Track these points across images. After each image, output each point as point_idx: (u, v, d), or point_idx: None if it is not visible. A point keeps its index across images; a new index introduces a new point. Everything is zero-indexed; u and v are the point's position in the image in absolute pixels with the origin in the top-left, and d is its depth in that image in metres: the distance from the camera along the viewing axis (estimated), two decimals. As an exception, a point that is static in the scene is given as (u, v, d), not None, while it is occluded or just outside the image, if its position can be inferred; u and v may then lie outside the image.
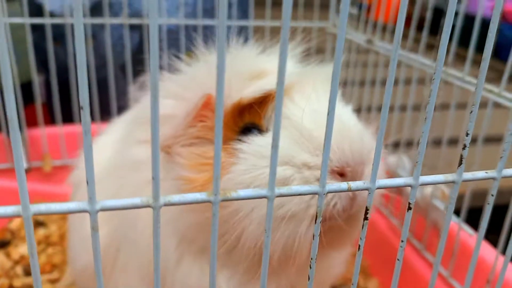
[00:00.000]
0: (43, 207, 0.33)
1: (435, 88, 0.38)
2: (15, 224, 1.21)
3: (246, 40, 0.69)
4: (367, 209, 0.40)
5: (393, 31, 1.06)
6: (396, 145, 1.02)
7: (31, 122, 1.25)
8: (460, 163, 0.41)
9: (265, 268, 0.39)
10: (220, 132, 0.34)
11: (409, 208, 0.41)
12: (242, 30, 1.29)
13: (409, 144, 1.00)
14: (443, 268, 0.87)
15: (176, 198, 0.35)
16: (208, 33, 0.85)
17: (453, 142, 0.91)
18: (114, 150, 0.77)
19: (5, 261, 1.09)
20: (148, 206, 0.34)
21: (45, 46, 1.26)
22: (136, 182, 0.67)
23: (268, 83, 0.57)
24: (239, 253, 0.58)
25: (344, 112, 0.60)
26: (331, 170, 0.53)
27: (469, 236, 0.85)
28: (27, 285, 1.01)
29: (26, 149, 1.18)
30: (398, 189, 0.99)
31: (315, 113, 0.56)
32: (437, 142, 0.90)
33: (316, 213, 0.38)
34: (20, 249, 1.13)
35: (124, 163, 0.70)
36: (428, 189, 0.90)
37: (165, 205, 0.35)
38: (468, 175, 0.42)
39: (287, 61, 0.63)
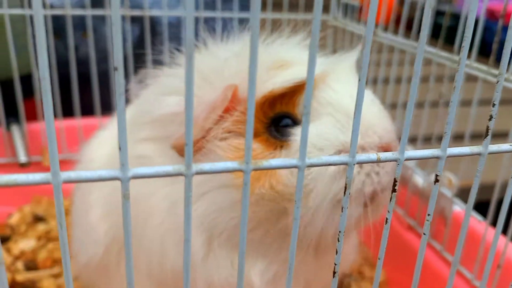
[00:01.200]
0: (73, 174, 0.32)
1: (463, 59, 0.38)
2: (14, 219, 1.19)
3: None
4: (395, 181, 0.40)
5: (395, 22, 1.06)
6: (413, 141, 1.01)
7: (31, 116, 1.24)
8: (486, 135, 0.41)
9: (294, 242, 0.39)
10: (252, 100, 0.33)
11: (436, 181, 0.41)
12: (243, 22, 1.29)
13: (427, 139, 1.00)
14: (449, 254, 0.87)
15: (207, 166, 0.34)
16: (209, 26, 0.85)
17: (475, 136, 0.91)
18: (113, 148, 0.76)
19: (5, 256, 1.07)
20: (180, 174, 0.34)
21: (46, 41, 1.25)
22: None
23: (299, 73, 0.57)
24: (284, 242, 0.59)
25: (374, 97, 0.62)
26: (381, 146, 0.57)
27: (478, 222, 0.85)
28: (30, 280, 1.00)
29: (25, 143, 1.17)
30: (404, 179, 0.99)
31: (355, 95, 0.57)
32: (460, 137, 0.90)
33: (346, 184, 0.38)
34: (20, 245, 1.11)
35: (130, 158, 0.69)
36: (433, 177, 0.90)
37: (197, 173, 0.34)
38: (493, 147, 0.42)
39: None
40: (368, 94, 0.60)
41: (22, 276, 1.00)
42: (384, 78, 1.06)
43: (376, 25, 1.08)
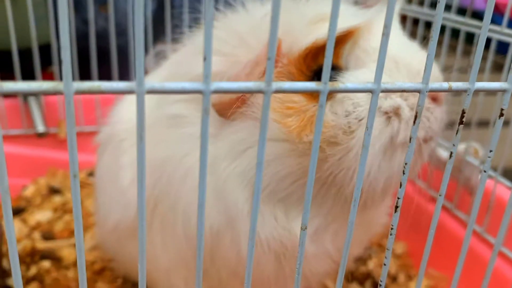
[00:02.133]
0: (157, 85, 0.31)
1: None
2: (29, 191, 1.18)
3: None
4: (463, 112, 0.39)
5: None
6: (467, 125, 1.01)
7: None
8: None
9: (359, 188, 0.38)
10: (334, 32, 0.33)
11: (501, 115, 0.41)
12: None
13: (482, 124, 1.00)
14: (477, 225, 0.88)
15: (287, 84, 0.34)
16: None
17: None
18: (147, 107, 0.75)
19: (21, 227, 1.07)
20: (260, 91, 0.33)
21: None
22: (176, 137, 0.65)
23: (343, 22, 0.57)
24: (326, 194, 0.58)
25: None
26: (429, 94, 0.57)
27: (506, 190, 0.85)
28: (50, 248, 0.99)
29: (42, 113, 1.16)
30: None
31: (402, 43, 0.58)
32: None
33: (416, 112, 0.38)
34: (36, 216, 1.10)
35: (160, 120, 0.68)
36: (461, 147, 0.90)
37: (276, 91, 0.34)
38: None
39: (349, 7, 0.63)
40: (414, 45, 0.60)
41: (42, 245, 1.00)
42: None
43: None
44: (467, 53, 0.92)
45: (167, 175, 0.66)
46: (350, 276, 0.97)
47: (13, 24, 1.06)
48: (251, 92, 0.33)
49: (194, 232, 0.65)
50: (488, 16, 0.37)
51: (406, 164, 0.40)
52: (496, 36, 0.83)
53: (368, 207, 0.61)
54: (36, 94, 0.29)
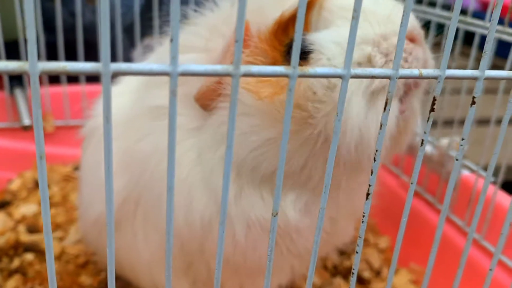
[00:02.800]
0: (124, 65, 0.31)
1: None
2: (15, 185, 1.18)
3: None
4: (434, 99, 0.40)
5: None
6: (448, 124, 1.01)
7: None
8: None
9: (333, 157, 0.39)
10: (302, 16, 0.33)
11: (473, 103, 0.41)
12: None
13: (462, 122, 1.00)
14: (460, 219, 0.88)
15: (255, 68, 0.34)
16: None
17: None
18: (129, 101, 0.75)
19: (7, 220, 1.06)
20: (228, 74, 0.33)
21: (47, 6, 1.23)
22: (159, 130, 0.65)
23: None
24: (315, 162, 0.57)
25: None
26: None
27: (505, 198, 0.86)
28: (34, 241, 0.98)
29: (28, 107, 1.15)
30: (411, 147, 0.99)
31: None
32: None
33: (387, 98, 0.38)
34: (22, 209, 1.10)
35: (143, 113, 0.68)
36: (444, 141, 0.91)
37: (244, 75, 0.34)
38: (528, 73, 0.42)
39: None
40: None
41: (26, 237, 0.99)
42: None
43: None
44: (465, 54, 0.92)
45: (151, 170, 0.66)
46: (334, 270, 0.98)
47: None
48: (219, 75, 0.33)
49: (180, 228, 0.65)
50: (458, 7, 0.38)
51: (377, 151, 0.40)
52: (462, 26, 0.84)
53: (363, 169, 0.59)
54: (2, 74, 0.29)
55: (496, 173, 0.86)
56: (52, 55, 1.24)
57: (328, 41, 0.55)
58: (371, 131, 0.54)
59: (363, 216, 0.43)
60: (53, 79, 1.27)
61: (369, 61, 0.54)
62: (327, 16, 0.57)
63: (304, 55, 0.56)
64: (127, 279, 0.83)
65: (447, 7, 0.93)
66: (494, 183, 0.84)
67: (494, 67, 0.82)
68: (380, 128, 0.39)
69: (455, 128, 0.94)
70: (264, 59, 0.58)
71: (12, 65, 0.30)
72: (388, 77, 0.38)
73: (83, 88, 1.20)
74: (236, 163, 0.59)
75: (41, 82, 1.20)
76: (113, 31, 1.24)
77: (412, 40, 0.56)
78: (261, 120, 0.56)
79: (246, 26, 0.58)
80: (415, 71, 0.38)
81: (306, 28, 0.58)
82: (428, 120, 0.41)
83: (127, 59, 1.29)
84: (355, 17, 0.34)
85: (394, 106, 0.56)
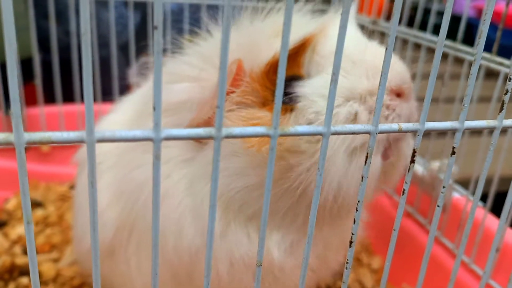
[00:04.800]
0: (108, 133, 0.32)
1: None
2: (11, 205, 1.19)
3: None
4: (414, 152, 0.41)
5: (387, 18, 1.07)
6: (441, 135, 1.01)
7: (30, 101, 1.23)
8: (501, 109, 0.42)
9: (315, 209, 0.40)
10: (284, 60, 0.34)
11: (453, 153, 0.42)
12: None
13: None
14: (450, 242, 0.89)
15: (237, 130, 0.35)
16: (212, 13, 0.85)
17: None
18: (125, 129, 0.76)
19: (3, 241, 1.07)
20: (210, 137, 0.34)
21: (43, 25, 1.24)
22: (152, 161, 0.66)
23: (298, 34, 0.57)
24: (297, 207, 0.58)
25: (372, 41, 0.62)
26: (390, 90, 0.56)
27: (478, 209, 0.87)
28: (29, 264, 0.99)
29: (24, 127, 1.16)
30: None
31: (356, 41, 0.58)
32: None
33: (367, 153, 0.39)
34: (18, 230, 1.10)
35: (136, 144, 0.69)
36: (435, 164, 0.91)
37: (227, 137, 0.35)
38: (508, 122, 0.43)
39: (302, 17, 0.64)
40: (373, 43, 0.61)
41: (21, 260, 1.00)
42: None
43: (377, 17, 1.09)
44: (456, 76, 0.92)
45: (144, 199, 0.67)
46: (328, 291, 0.98)
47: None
48: (202, 138, 0.34)
49: (172, 254, 0.66)
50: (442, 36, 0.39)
51: (359, 201, 0.41)
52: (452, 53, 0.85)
53: (344, 216, 0.61)
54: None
55: (487, 186, 0.87)
56: (47, 74, 1.25)
57: (316, 94, 0.55)
58: (351, 184, 0.55)
59: (347, 262, 0.44)
60: (49, 98, 1.28)
61: (355, 118, 0.55)
62: (320, 61, 0.58)
63: (292, 103, 0.57)
64: None
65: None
66: (485, 204, 0.85)
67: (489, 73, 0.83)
68: (362, 180, 0.40)
69: (446, 152, 0.95)
70: (254, 98, 0.59)
71: (73, 135, 0.31)
72: (367, 132, 0.39)
73: (79, 107, 1.21)
74: (223, 200, 0.60)
75: (37, 102, 1.21)
76: (109, 49, 1.25)
77: (399, 95, 0.56)
78: (249, 163, 0.57)
79: (238, 65, 0.58)
80: (395, 126, 0.39)
81: (298, 70, 0.59)
82: (408, 171, 0.42)
83: (122, 77, 1.30)
84: (334, 81, 0.35)
85: (377, 159, 0.57)
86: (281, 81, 0.34)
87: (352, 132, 0.38)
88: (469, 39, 0.89)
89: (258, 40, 0.60)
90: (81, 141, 0.32)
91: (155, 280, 0.37)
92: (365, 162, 0.39)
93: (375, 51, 0.58)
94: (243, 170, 0.58)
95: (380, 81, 0.37)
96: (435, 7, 0.94)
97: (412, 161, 0.41)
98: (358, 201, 0.41)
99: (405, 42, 1.01)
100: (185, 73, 0.64)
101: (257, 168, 0.57)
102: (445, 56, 0.90)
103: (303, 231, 0.61)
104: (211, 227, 0.37)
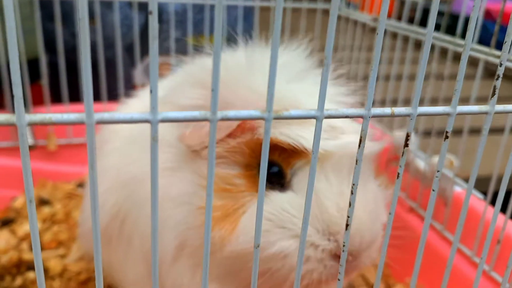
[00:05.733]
0: (106, 115, 0.33)
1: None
2: (19, 203, 1.20)
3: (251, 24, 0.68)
4: (408, 136, 0.41)
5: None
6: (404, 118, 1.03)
7: (36, 101, 1.25)
8: (493, 94, 0.43)
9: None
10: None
11: (446, 137, 0.43)
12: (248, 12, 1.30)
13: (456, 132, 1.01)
14: (451, 234, 0.89)
15: (232, 113, 0.36)
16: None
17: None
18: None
19: (10, 237, 1.08)
20: (206, 119, 0.35)
21: (49, 27, 1.26)
22: (146, 160, 0.66)
23: (307, 140, 0.56)
24: (239, 273, 0.60)
25: (366, 196, 0.60)
26: (335, 253, 0.57)
27: (478, 200, 0.87)
28: (36, 259, 1.01)
29: (31, 127, 1.18)
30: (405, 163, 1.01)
31: (342, 198, 0.57)
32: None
33: (361, 136, 0.40)
34: (25, 227, 1.12)
35: (141, 137, 0.69)
36: (436, 159, 0.92)
37: (222, 119, 0.36)
38: (499, 107, 0.44)
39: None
40: (363, 190, 0.60)
41: (29, 256, 1.01)
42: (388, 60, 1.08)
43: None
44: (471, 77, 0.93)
45: (136, 194, 0.68)
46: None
47: (0, 38, 1.09)
48: (197, 120, 0.35)
49: (147, 252, 0.67)
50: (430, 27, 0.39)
51: (349, 211, 0.42)
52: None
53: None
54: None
55: (486, 185, 0.87)
56: (54, 75, 1.27)
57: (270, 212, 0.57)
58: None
59: (339, 280, 0.45)
60: (56, 98, 1.30)
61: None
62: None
63: (271, 184, 0.59)
64: None
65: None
66: (486, 197, 0.85)
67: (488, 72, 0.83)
68: (356, 164, 0.41)
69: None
70: (241, 158, 0.59)
71: (73, 116, 0.32)
72: (360, 116, 0.39)
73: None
74: (180, 237, 0.62)
75: (44, 101, 1.23)
76: (114, 50, 1.27)
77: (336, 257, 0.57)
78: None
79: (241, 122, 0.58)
80: (387, 110, 0.40)
81: (287, 166, 0.59)
82: (402, 155, 0.43)
83: (128, 77, 1.31)
84: (326, 65, 0.36)
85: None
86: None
87: (345, 116, 0.39)
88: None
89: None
90: (80, 122, 0.33)
91: (155, 269, 0.38)
92: (359, 146, 0.40)
93: (360, 209, 0.58)
94: (199, 227, 0.60)
95: (371, 69, 0.38)
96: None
97: (406, 145, 0.42)
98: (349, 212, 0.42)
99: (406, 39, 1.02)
100: (205, 80, 0.63)
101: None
102: (445, 52, 0.91)
103: None
104: (208, 219, 0.38)
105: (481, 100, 0.94)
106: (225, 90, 0.57)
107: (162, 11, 1.36)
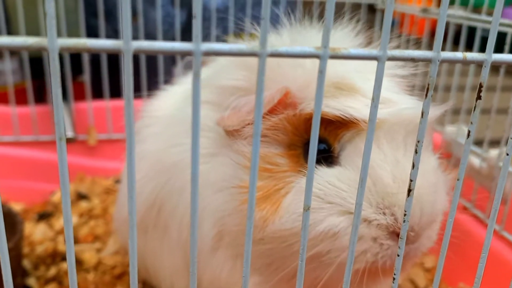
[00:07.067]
0: (145, 43, 0.30)
1: None
2: (57, 197, 1.20)
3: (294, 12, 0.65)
4: (481, 86, 0.37)
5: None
6: (455, 113, 0.98)
7: (78, 97, 1.25)
8: None
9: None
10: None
11: (480, 90, 0.38)
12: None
13: (470, 111, 0.96)
14: (509, 234, 0.82)
15: (283, 49, 0.32)
16: (257, 13, 0.82)
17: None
18: (182, 100, 0.74)
19: (47, 231, 1.08)
20: (253, 53, 0.32)
21: (92, 23, 1.27)
22: (188, 145, 0.64)
23: (357, 109, 0.52)
24: (282, 263, 0.56)
25: (426, 167, 0.54)
26: (393, 230, 0.51)
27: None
28: (71, 251, 0.99)
29: (72, 119, 1.18)
30: (456, 159, 0.94)
31: (398, 166, 0.52)
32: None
33: (428, 83, 0.35)
34: (62, 221, 1.11)
35: (183, 120, 0.67)
36: (494, 153, 0.85)
37: (272, 55, 0.32)
38: None
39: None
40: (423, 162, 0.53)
41: (64, 247, 1.00)
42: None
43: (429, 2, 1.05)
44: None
45: (174, 180, 0.66)
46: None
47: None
48: (244, 54, 0.32)
49: (185, 242, 0.64)
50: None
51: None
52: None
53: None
54: (21, 50, 0.28)
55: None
56: (96, 71, 1.27)
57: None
58: None
59: None
60: (97, 94, 1.30)
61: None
62: (357, 151, 0.54)
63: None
64: (152, 285, 0.82)
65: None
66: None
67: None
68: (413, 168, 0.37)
69: (504, 139, 0.88)
70: (283, 136, 0.56)
71: (31, 41, 0.29)
72: (429, 60, 0.35)
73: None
74: (219, 226, 0.59)
75: (85, 97, 1.23)
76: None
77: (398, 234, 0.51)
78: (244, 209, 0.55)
79: (285, 94, 0.55)
80: (459, 54, 0.36)
81: (334, 140, 0.55)
82: (474, 110, 0.38)
83: (168, 74, 1.30)
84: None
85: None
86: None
87: (411, 58, 0.35)
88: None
89: (313, 82, 0.56)
90: (118, 50, 0.30)
91: (193, 260, 0.35)
92: (426, 95, 0.36)
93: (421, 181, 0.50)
94: (237, 211, 0.56)
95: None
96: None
97: (479, 97, 0.37)
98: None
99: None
100: (251, 63, 0.58)
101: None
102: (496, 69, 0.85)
103: (282, 283, 0.59)
104: (252, 190, 0.34)
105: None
106: (268, 68, 0.53)
107: (203, 8, 1.35)
